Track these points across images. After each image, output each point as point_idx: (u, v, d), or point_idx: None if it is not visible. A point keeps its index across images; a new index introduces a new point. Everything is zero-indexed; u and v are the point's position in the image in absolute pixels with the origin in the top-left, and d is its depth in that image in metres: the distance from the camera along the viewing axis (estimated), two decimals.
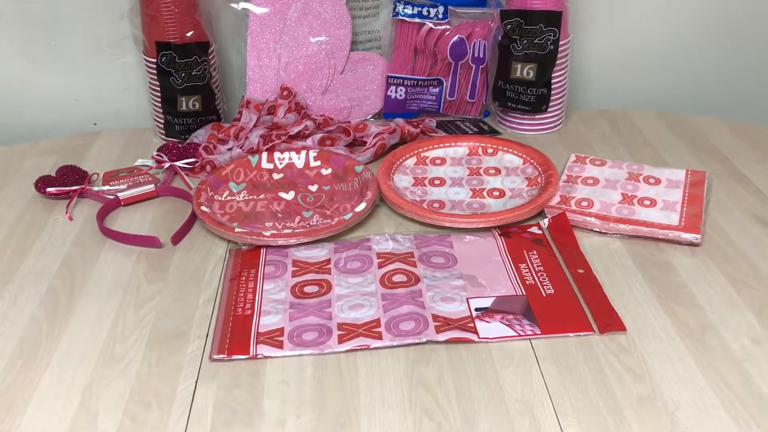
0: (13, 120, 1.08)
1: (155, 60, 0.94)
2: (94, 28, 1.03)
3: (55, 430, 0.56)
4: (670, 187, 0.83)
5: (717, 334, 0.63)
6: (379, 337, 0.63)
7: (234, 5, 1.00)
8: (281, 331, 0.65)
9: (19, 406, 0.58)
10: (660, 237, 0.76)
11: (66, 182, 0.88)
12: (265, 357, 0.62)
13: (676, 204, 0.80)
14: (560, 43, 0.94)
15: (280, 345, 0.63)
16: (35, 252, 0.78)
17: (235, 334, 0.64)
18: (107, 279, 0.73)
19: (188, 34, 0.94)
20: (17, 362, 0.63)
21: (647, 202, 0.80)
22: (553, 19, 0.92)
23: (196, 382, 0.60)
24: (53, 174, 0.89)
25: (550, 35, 0.93)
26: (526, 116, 0.99)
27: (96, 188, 0.88)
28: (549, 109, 0.98)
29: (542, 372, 0.60)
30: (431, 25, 0.99)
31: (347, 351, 0.63)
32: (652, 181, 0.84)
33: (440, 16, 0.99)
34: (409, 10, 0.99)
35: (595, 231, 0.78)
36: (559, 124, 1.01)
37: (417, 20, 0.99)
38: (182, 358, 0.63)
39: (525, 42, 0.94)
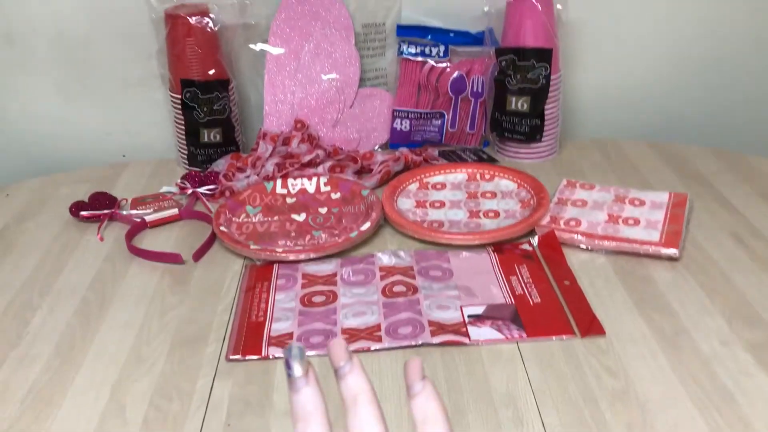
0: (50, 152, 1.17)
1: (180, 96, 1.03)
2: (125, 67, 1.12)
3: (89, 418, 0.63)
4: (653, 208, 0.89)
5: (689, 336, 0.69)
6: (379, 340, 0.70)
7: (252, 46, 1.09)
8: (291, 335, 0.71)
9: (56, 399, 0.65)
10: (641, 252, 0.82)
11: (97, 207, 0.96)
12: (276, 357, 0.69)
13: (658, 223, 0.86)
14: (552, 77, 1.02)
15: None
16: (70, 268, 0.85)
17: (249, 338, 0.71)
18: (134, 291, 0.80)
19: (210, 72, 1.03)
20: (54, 362, 0.70)
21: (631, 222, 0.86)
22: (545, 56, 1.00)
23: (214, 378, 0.67)
24: (86, 200, 0.97)
25: (542, 70, 1.01)
26: (522, 145, 1.06)
27: (125, 212, 0.96)
28: (543, 139, 1.05)
29: (527, 370, 0.66)
30: (433, 62, 1.07)
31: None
32: (637, 202, 0.91)
33: (441, 54, 1.07)
34: (412, 50, 1.08)
35: (582, 248, 0.84)
36: (554, 152, 1.08)
37: (420, 58, 1.08)
38: (201, 358, 0.69)
39: (519, 77, 1.02)
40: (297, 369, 0.34)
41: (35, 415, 0.63)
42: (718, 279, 0.77)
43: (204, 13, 1.01)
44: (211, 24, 1.01)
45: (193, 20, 1.00)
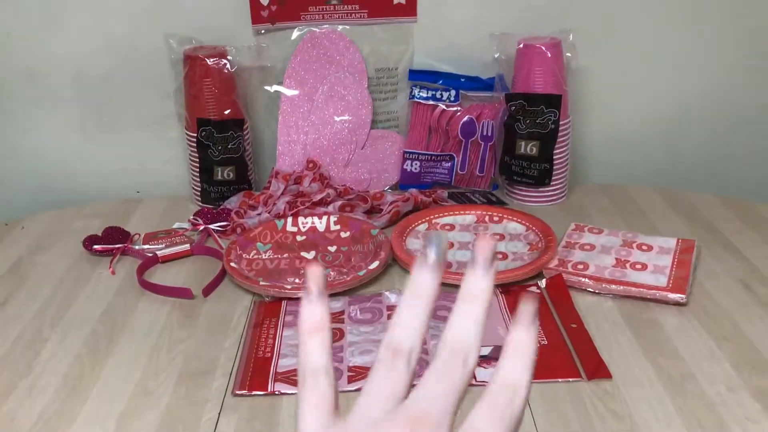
0: (66, 186, 1.19)
1: (195, 134, 1.05)
2: (142, 106, 1.15)
3: None
4: (661, 254, 0.89)
5: (695, 382, 0.69)
6: None
7: (268, 88, 1.11)
8: (297, 371, 0.71)
9: (62, 430, 0.66)
10: (648, 297, 0.82)
11: (110, 241, 0.97)
12: (282, 393, 0.69)
13: (665, 268, 0.86)
14: (560, 122, 1.03)
15: (295, 383, 0.70)
16: (81, 300, 0.87)
17: (255, 373, 0.71)
18: (143, 325, 0.81)
19: (226, 112, 1.05)
20: (62, 393, 0.70)
21: (639, 266, 0.87)
22: (554, 102, 1.02)
23: (219, 413, 0.67)
24: (99, 234, 0.99)
25: (551, 116, 1.03)
26: (531, 189, 1.07)
27: (137, 246, 0.97)
28: (552, 183, 1.06)
29: (532, 411, 0.66)
30: (444, 106, 1.10)
31: (356, 390, 0.69)
32: (644, 247, 0.91)
33: (452, 98, 1.09)
34: (424, 93, 1.10)
35: (589, 291, 0.85)
36: (563, 196, 1.09)
37: (431, 102, 1.10)
38: (208, 392, 0.70)
39: (528, 122, 1.04)
40: (433, 254, 0.35)
41: None
42: (726, 325, 0.77)
43: (222, 55, 1.04)
44: (228, 66, 1.04)
45: (210, 62, 1.03)
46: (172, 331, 0.80)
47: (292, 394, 0.69)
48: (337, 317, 0.81)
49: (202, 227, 1.00)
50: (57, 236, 1.03)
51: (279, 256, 0.93)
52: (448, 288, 0.86)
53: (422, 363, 0.71)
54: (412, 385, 0.35)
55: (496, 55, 1.07)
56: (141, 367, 0.74)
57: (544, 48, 1.01)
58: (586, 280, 0.85)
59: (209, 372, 0.73)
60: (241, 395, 0.69)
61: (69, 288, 0.89)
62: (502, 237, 0.97)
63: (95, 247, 0.96)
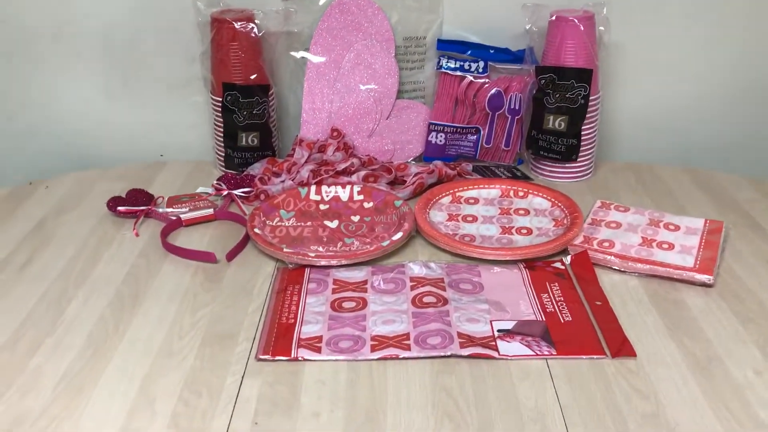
0: (90, 149, 1.19)
1: (221, 99, 1.05)
2: (168, 69, 1.14)
3: (118, 409, 0.64)
4: (688, 234, 0.88)
5: (721, 364, 0.68)
6: (408, 348, 0.70)
7: (294, 54, 1.10)
8: (320, 338, 0.72)
9: (86, 389, 0.66)
10: (675, 277, 0.81)
11: (135, 203, 0.97)
12: (305, 359, 0.69)
13: (692, 248, 0.85)
14: (590, 98, 1.02)
15: (318, 350, 0.70)
16: (105, 261, 0.87)
17: (279, 339, 0.72)
18: (167, 287, 0.81)
19: (252, 77, 1.04)
20: (86, 353, 0.71)
21: (665, 246, 0.86)
22: (584, 76, 1.00)
23: (243, 377, 0.67)
24: (123, 196, 0.99)
25: (581, 90, 1.01)
26: (557, 165, 1.06)
27: (161, 209, 0.97)
28: (579, 159, 1.05)
29: (555, 387, 0.66)
30: (472, 78, 1.08)
31: (378, 359, 0.69)
32: (671, 227, 0.90)
33: (480, 70, 1.08)
34: (452, 64, 1.08)
35: (615, 269, 0.84)
36: (589, 173, 1.08)
37: (459, 73, 1.08)
38: (231, 356, 0.70)
39: (557, 96, 1.02)
40: None
41: (66, 404, 0.64)
42: (753, 307, 0.76)
43: (249, 18, 1.03)
44: (255, 30, 1.03)
45: (237, 25, 1.02)
46: (196, 294, 0.80)
47: (315, 360, 0.69)
48: (360, 286, 0.80)
49: (225, 192, 1.00)
50: (81, 197, 1.03)
51: (302, 223, 0.93)
52: (471, 261, 0.86)
53: (444, 336, 0.71)
54: None
55: (527, 27, 1.05)
56: (165, 329, 0.74)
57: (576, 21, 0.99)
58: (612, 258, 0.84)
59: (233, 336, 0.73)
60: (265, 360, 0.69)
61: (93, 249, 0.90)
62: (526, 212, 0.96)
63: (119, 208, 0.96)
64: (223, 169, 1.10)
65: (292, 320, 0.75)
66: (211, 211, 0.96)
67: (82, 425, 0.62)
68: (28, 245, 0.90)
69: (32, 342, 0.72)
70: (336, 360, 0.69)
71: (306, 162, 1.06)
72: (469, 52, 1.08)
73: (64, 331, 0.74)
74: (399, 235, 0.87)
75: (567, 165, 1.06)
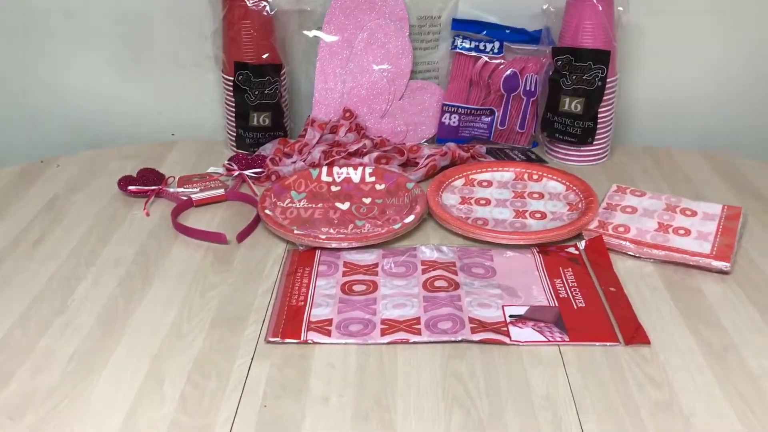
0: (101, 127, 1.19)
1: (232, 78, 1.04)
2: (180, 47, 1.13)
3: (127, 390, 0.63)
4: (705, 219, 0.87)
5: (737, 353, 0.67)
6: (419, 333, 0.69)
7: (307, 33, 1.09)
8: (330, 321, 0.71)
9: (96, 368, 0.66)
10: (691, 263, 0.80)
11: (145, 182, 0.97)
12: (315, 342, 0.69)
13: (709, 235, 0.83)
14: (608, 80, 1.00)
15: (328, 333, 0.70)
16: (115, 241, 0.87)
17: (288, 321, 0.71)
18: (177, 268, 0.81)
19: (264, 56, 1.03)
20: (96, 332, 0.71)
21: (682, 232, 0.84)
22: (602, 58, 0.98)
23: (252, 359, 0.67)
24: (134, 175, 0.99)
25: (599, 72, 0.99)
26: (573, 148, 1.04)
27: (171, 189, 0.97)
28: (595, 142, 1.03)
29: (567, 374, 0.65)
30: (486, 58, 1.06)
31: (388, 343, 0.69)
32: (688, 213, 0.88)
33: (495, 50, 1.06)
34: (466, 44, 1.07)
35: (630, 255, 0.83)
36: (604, 157, 1.06)
37: (474, 54, 1.07)
38: (240, 338, 0.70)
39: (574, 78, 1.00)
40: None
41: (75, 383, 0.64)
42: None
43: None
44: (267, 8, 1.01)
45: (250, 3, 1.00)
46: (206, 275, 0.79)
47: (324, 343, 0.69)
48: (371, 269, 0.80)
49: (236, 173, 0.99)
50: (92, 176, 1.03)
51: (313, 205, 0.92)
52: (484, 245, 0.85)
53: (455, 320, 0.70)
54: None
55: (544, 7, 1.03)
56: (175, 310, 0.74)
57: (595, 1, 0.97)
58: (627, 243, 0.83)
59: (242, 318, 0.72)
60: (274, 342, 0.69)
61: (103, 228, 0.89)
62: (541, 196, 0.94)
63: (130, 188, 0.96)
64: (235, 149, 1.09)
65: (302, 303, 0.74)
66: (222, 191, 0.95)
67: (92, 405, 0.62)
68: (39, 224, 0.90)
69: (43, 321, 0.72)
70: (346, 344, 0.69)
71: (318, 143, 1.05)
72: (485, 32, 1.07)
73: (74, 310, 0.74)
74: (411, 218, 0.86)
75: (583, 148, 1.04)
